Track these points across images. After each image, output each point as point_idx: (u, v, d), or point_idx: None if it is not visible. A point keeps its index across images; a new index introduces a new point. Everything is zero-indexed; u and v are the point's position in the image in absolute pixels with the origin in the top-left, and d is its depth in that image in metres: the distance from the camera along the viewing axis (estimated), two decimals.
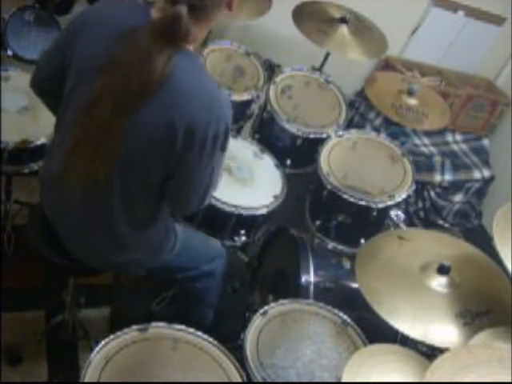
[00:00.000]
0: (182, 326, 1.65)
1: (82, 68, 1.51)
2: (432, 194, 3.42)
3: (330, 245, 2.42)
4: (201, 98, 1.46)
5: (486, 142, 3.71)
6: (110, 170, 1.49)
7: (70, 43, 1.53)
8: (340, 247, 2.43)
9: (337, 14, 2.74)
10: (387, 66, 3.50)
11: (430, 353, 1.73)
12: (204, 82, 1.50)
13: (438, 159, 3.44)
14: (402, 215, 2.31)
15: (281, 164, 2.46)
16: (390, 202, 2.34)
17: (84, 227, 1.68)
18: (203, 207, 1.70)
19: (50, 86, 1.64)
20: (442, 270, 1.65)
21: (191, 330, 1.65)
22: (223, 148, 1.55)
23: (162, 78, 1.39)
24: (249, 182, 2.31)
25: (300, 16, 2.68)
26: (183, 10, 1.38)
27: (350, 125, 3.06)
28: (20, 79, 2.28)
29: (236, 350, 1.70)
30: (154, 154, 1.50)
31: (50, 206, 1.74)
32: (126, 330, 1.59)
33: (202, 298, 2.07)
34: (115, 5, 1.55)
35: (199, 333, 1.65)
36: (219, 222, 2.19)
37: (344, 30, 2.68)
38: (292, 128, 2.52)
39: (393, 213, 2.32)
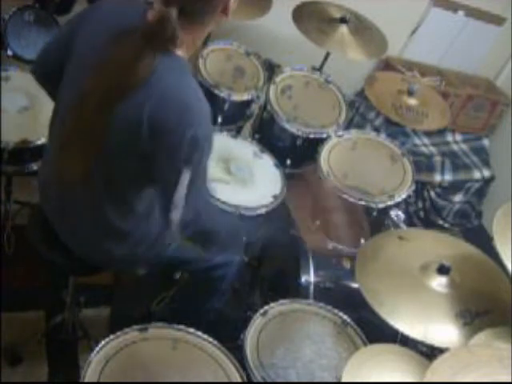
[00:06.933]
0: (182, 326, 1.65)
1: (78, 64, 1.54)
2: (432, 193, 3.42)
3: (330, 245, 2.43)
4: (173, 101, 1.45)
5: (486, 141, 3.71)
6: (93, 165, 1.53)
7: (72, 37, 1.56)
8: (340, 247, 2.43)
9: (337, 14, 2.74)
10: (387, 66, 3.50)
11: (429, 353, 1.73)
12: (180, 86, 1.47)
13: (437, 159, 3.44)
14: (402, 215, 2.31)
15: (281, 164, 2.46)
16: (389, 202, 2.34)
17: (81, 221, 1.69)
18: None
19: (51, 73, 1.65)
20: (442, 270, 1.65)
21: (191, 329, 1.65)
22: (187, 161, 1.45)
23: (143, 76, 1.41)
24: (248, 182, 2.30)
25: (300, 16, 2.68)
26: (173, 12, 1.39)
27: (349, 125, 3.06)
28: (20, 79, 2.28)
29: (236, 350, 1.70)
30: (126, 149, 1.51)
31: (48, 202, 1.75)
32: (126, 330, 1.59)
33: (216, 287, 2.04)
34: (116, 3, 1.57)
35: (199, 333, 1.65)
36: None
37: (344, 30, 2.68)
38: (292, 128, 2.52)
39: (393, 213, 2.32)
